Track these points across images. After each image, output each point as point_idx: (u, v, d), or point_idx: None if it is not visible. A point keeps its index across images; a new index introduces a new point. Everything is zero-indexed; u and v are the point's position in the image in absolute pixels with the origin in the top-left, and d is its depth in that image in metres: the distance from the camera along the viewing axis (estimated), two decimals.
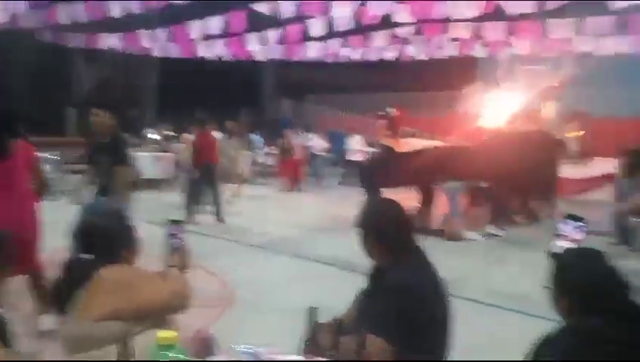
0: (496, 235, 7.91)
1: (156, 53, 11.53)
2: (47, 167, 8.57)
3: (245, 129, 14.21)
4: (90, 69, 19.48)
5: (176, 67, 14.69)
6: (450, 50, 10.19)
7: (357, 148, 14.18)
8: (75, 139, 13.23)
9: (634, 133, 7.74)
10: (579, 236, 1.99)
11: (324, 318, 2.17)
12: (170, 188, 11.09)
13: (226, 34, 9.16)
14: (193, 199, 8.37)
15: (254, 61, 12.37)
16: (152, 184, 11.42)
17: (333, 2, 7.65)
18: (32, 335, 3.48)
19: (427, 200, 8.35)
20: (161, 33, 9.79)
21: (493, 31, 8.44)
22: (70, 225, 2.17)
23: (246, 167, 12.99)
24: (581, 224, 2.01)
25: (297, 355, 1.89)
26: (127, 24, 9.69)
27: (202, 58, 10.98)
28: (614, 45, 8.46)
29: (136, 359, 1.63)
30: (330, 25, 8.35)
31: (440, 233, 7.71)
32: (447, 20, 8.34)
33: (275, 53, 10.89)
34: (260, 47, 10.02)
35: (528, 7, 7.11)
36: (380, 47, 10.35)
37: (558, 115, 11.68)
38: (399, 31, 9.28)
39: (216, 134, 9.83)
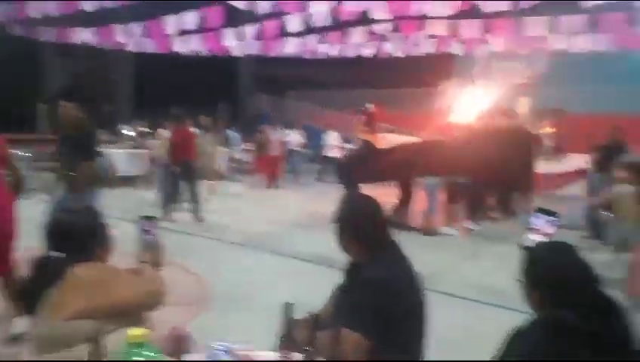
0: (472, 230, 8.00)
1: (131, 48, 11.34)
2: (20, 165, 8.37)
3: (222, 125, 14.06)
4: (63, 64, 19.07)
5: (152, 62, 14.47)
6: (427, 48, 10.25)
7: (334, 144, 14.16)
8: (47, 136, 12.96)
9: (608, 130, 7.89)
10: (550, 230, 2.02)
11: (301, 314, 2.16)
12: (146, 185, 10.93)
13: (202, 29, 9.06)
14: (170, 196, 8.27)
15: (231, 56, 12.28)
16: (127, 181, 11.28)
17: (310, 2, 7.65)
18: (4, 339, 3.38)
19: (405, 195, 8.41)
20: (136, 28, 9.63)
21: (470, 28, 8.53)
22: (42, 223, 2.12)
23: (223, 164, 12.91)
24: (553, 218, 2.04)
25: (273, 351, 1.88)
26: (101, 18, 9.51)
27: (177, 53, 10.85)
28: (587, 43, 8.64)
29: (108, 358, 1.60)
30: (307, 21, 8.34)
31: (417, 228, 7.78)
32: (424, 18, 8.40)
33: (252, 48, 10.82)
34: (237, 42, 9.94)
35: (504, 6, 7.28)
36: (357, 44, 10.36)
37: (532, 111, 11.87)
38: (377, 28, 9.31)
39: (192, 130, 9.72)
